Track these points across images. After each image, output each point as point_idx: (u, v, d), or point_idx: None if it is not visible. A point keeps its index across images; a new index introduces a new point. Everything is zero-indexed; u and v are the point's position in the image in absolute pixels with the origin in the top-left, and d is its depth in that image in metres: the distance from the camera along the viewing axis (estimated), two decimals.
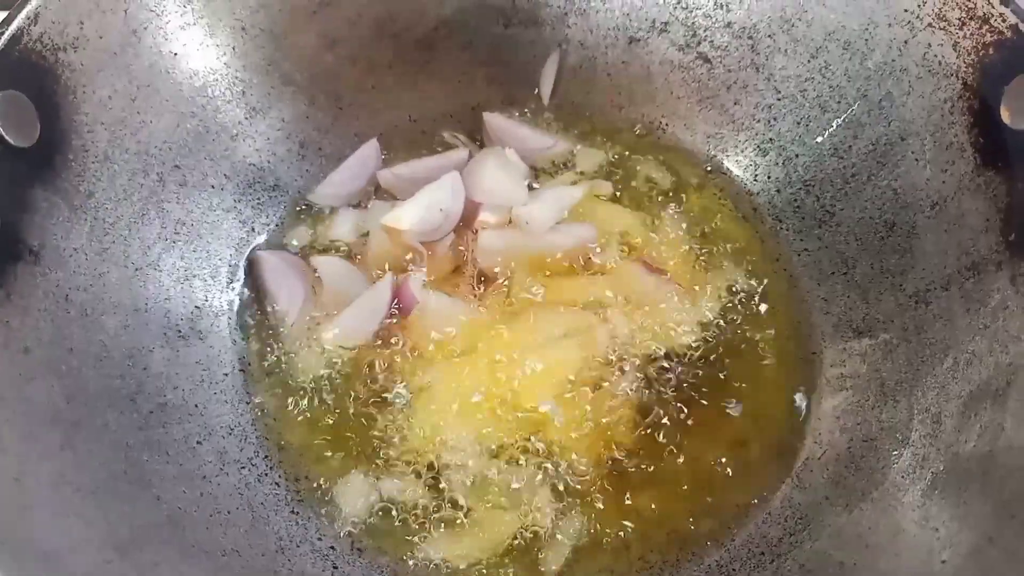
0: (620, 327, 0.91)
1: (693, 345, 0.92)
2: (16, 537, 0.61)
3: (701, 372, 0.90)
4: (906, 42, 0.85)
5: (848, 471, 0.81)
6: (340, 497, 0.84)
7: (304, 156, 1.00)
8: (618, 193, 1.02)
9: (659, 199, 1.02)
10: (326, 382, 0.90)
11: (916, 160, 0.85)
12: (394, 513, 0.83)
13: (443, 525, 0.83)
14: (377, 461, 0.85)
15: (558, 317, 0.92)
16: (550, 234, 0.96)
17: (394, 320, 0.92)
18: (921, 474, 0.76)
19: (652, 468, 0.85)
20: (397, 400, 0.88)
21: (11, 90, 0.72)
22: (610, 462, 0.86)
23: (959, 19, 0.80)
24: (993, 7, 0.77)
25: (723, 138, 1.02)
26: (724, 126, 1.02)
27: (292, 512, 0.82)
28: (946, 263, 0.82)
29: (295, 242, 0.99)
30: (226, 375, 0.89)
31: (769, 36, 0.96)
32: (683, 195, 1.02)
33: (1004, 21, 0.77)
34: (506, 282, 0.94)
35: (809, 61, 0.94)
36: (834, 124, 0.93)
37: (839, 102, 0.92)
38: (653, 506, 0.84)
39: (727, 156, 1.03)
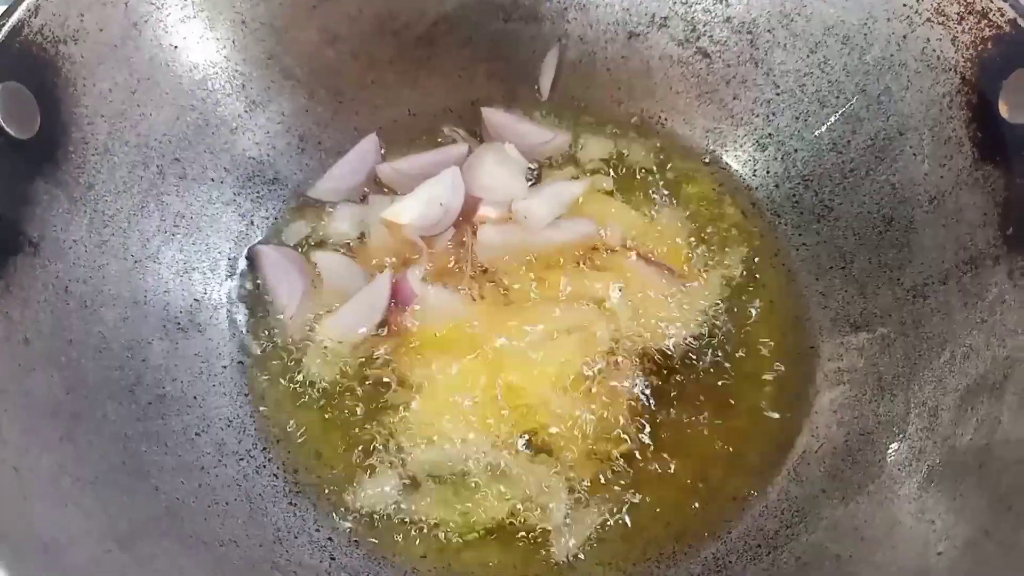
0: (619, 322, 0.91)
1: (691, 339, 0.92)
2: (16, 527, 0.61)
3: (699, 366, 0.90)
4: (905, 37, 0.85)
5: (845, 464, 0.82)
6: (340, 489, 0.84)
7: (304, 150, 1.01)
8: (617, 188, 1.02)
9: (658, 194, 1.02)
10: (324, 375, 0.90)
11: (914, 155, 0.85)
12: (392, 505, 0.83)
13: (442, 518, 0.83)
14: (375, 454, 0.85)
15: (558, 312, 0.92)
16: (549, 229, 0.96)
17: (393, 314, 0.92)
18: (917, 467, 0.76)
19: (650, 462, 0.86)
20: (395, 393, 0.88)
21: (12, 82, 0.72)
22: (608, 456, 0.86)
23: (958, 14, 0.80)
24: (992, 2, 0.77)
25: (722, 133, 1.03)
26: (723, 121, 1.02)
27: (290, 503, 0.82)
28: (944, 257, 0.82)
29: (294, 237, 0.99)
30: (225, 367, 0.89)
31: (768, 31, 0.96)
32: (682, 190, 1.02)
33: (1003, 16, 0.77)
34: (505, 277, 0.94)
35: (808, 56, 0.94)
36: (833, 119, 0.93)
37: (838, 97, 0.92)
38: (650, 499, 0.84)
39: (726, 151, 1.03)
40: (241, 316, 0.93)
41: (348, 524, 0.83)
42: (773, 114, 0.98)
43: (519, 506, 0.83)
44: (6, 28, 0.73)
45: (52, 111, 0.77)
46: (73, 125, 0.79)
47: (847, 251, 0.92)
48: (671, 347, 0.91)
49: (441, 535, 0.82)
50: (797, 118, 0.96)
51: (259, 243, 0.97)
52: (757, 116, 1.00)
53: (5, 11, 0.73)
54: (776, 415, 0.88)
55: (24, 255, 0.73)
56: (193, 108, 0.91)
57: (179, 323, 0.87)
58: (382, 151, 1.03)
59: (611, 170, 1.03)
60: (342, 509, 0.83)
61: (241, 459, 0.83)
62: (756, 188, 1.01)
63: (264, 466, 0.84)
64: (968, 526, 0.68)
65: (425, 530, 0.82)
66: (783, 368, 0.90)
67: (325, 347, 0.91)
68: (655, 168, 1.03)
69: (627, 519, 0.83)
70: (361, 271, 0.95)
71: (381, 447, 0.86)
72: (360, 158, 1.02)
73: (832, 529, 0.77)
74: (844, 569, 0.73)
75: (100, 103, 0.81)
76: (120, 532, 0.68)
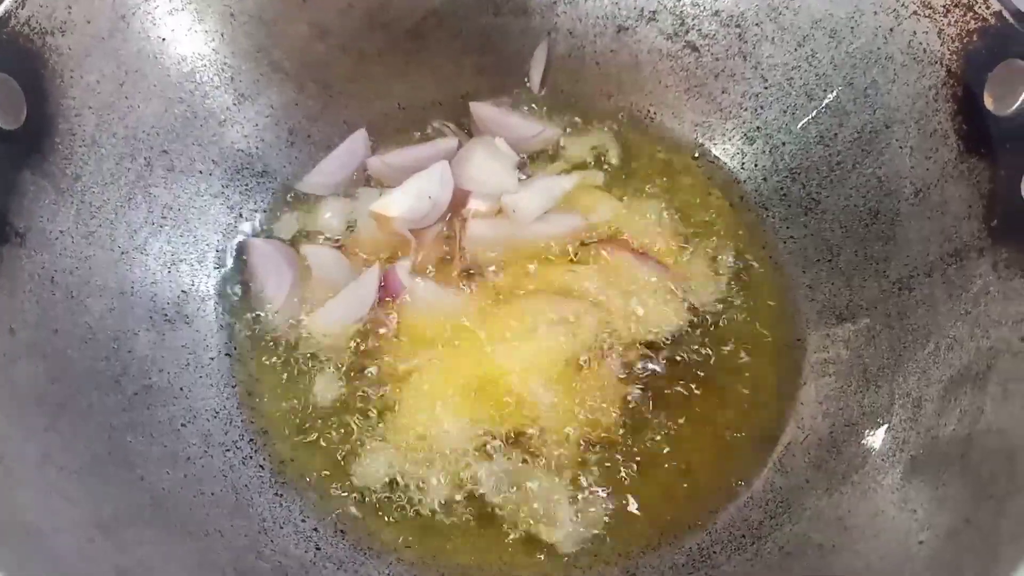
0: (607, 315, 0.92)
1: (679, 332, 0.92)
2: (1, 516, 0.61)
3: (686, 358, 0.90)
4: (891, 30, 0.85)
5: (829, 455, 0.82)
6: (325, 480, 0.84)
7: (293, 143, 1.01)
8: (606, 182, 1.02)
9: (647, 187, 1.02)
10: (312, 368, 0.90)
11: (900, 147, 0.86)
12: (378, 496, 0.83)
13: (427, 510, 0.83)
14: (362, 446, 0.85)
15: (546, 305, 0.92)
16: (538, 223, 0.96)
17: (382, 307, 0.92)
18: (901, 457, 0.76)
19: (637, 453, 0.86)
20: (383, 386, 0.88)
21: None
22: (595, 448, 0.86)
23: (944, 7, 0.80)
24: None
25: (711, 126, 1.03)
26: (712, 114, 1.02)
27: (276, 494, 0.83)
28: (929, 250, 0.82)
29: (284, 230, 0.99)
30: (212, 359, 0.89)
31: (756, 24, 0.96)
32: (671, 183, 1.02)
33: (988, 8, 0.77)
34: (494, 270, 0.94)
35: (796, 49, 0.94)
36: (820, 112, 0.93)
37: (825, 90, 0.92)
38: (635, 491, 0.84)
39: (715, 144, 1.03)
40: (229, 308, 0.93)
41: (334, 515, 0.83)
42: (761, 107, 0.99)
43: (504, 499, 0.83)
44: None
45: (39, 102, 0.77)
46: (60, 116, 0.79)
47: (834, 243, 0.92)
48: (659, 340, 0.91)
49: (427, 526, 0.82)
50: (785, 111, 0.97)
51: (249, 236, 0.97)
52: (745, 109, 1.00)
53: None
54: (762, 406, 0.88)
55: (10, 245, 0.73)
56: (181, 100, 0.91)
57: (166, 314, 0.88)
58: (371, 145, 1.03)
59: (600, 164, 1.03)
60: (328, 500, 0.83)
61: (227, 450, 0.84)
62: (744, 181, 1.01)
63: (250, 457, 0.84)
64: (950, 515, 0.68)
65: (411, 520, 0.82)
66: (770, 360, 0.91)
67: (313, 340, 0.91)
68: (644, 162, 1.04)
69: (611, 509, 0.83)
70: (350, 264, 0.96)
71: (368, 439, 0.86)
72: (349, 152, 1.02)
73: (816, 519, 0.78)
74: (827, 559, 0.74)
75: (87, 95, 0.81)
76: (104, 521, 0.68)
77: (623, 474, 0.85)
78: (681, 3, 0.99)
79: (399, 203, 0.94)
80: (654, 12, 1.01)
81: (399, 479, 0.84)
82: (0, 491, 0.63)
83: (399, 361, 0.89)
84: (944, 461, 0.72)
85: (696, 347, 0.91)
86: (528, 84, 1.07)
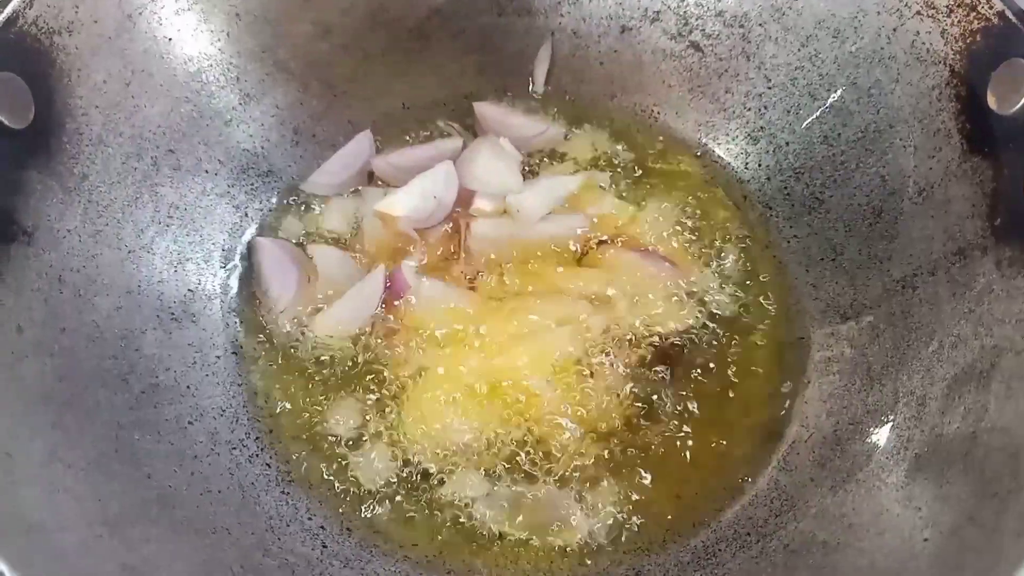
0: (612, 315, 0.92)
1: (683, 331, 0.92)
2: (6, 511, 0.61)
3: (691, 358, 0.91)
4: (894, 30, 0.85)
5: (834, 453, 0.82)
6: (332, 479, 0.85)
7: (298, 142, 1.01)
8: (611, 181, 1.02)
9: (651, 187, 1.02)
10: (318, 367, 0.90)
11: (904, 147, 0.86)
12: (384, 496, 0.84)
13: (434, 509, 0.83)
14: (368, 445, 0.86)
15: (552, 305, 0.92)
16: (543, 223, 0.97)
17: (387, 307, 0.92)
18: (905, 455, 0.76)
19: (641, 452, 0.86)
20: (389, 385, 0.89)
21: (6, 72, 0.73)
22: (600, 446, 0.86)
23: (947, 7, 0.81)
24: None
25: (714, 126, 1.03)
26: (715, 114, 1.03)
27: (282, 492, 0.83)
28: (932, 248, 0.83)
29: (289, 230, 0.99)
30: (218, 357, 0.89)
31: (760, 25, 0.96)
32: (674, 183, 1.02)
33: (991, 8, 0.77)
34: (499, 270, 0.95)
35: (799, 49, 0.94)
36: (823, 112, 0.94)
37: (828, 90, 0.93)
38: (641, 488, 0.85)
39: (718, 144, 1.03)
40: (235, 307, 0.93)
41: (340, 513, 0.83)
42: (765, 107, 0.99)
43: (512, 499, 0.83)
44: (1, 19, 0.73)
45: (46, 102, 0.77)
46: (67, 116, 0.79)
47: (837, 242, 0.92)
48: (664, 339, 0.91)
49: (433, 524, 0.83)
50: (788, 111, 0.97)
51: (254, 235, 0.97)
52: (749, 109, 1.00)
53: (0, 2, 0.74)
54: (766, 405, 0.89)
55: (18, 244, 0.73)
56: (187, 100, 0.91)
57: (173, 313, 0.88)
58: (376, 144, 1.03)
59: (604, 164, 1.04)
60: (334, 498, 0.84)
61: (234, 448, 0.84)
62: (748, 181, 1.01)
63: (257, 455, 0.85)
64: (953, 513, 0.69)
65: (417, 519, 0.83)
66: (774, 358, 0.91)
67: (319, 339, 0.91)
68: (648, 161, 1.04)
69: (616, 508, 0.84)
70: (355, 264, 0.96)
71: (375, 438, 0.86)
72: (354, 152, 1.02)
73: (820, 517, 0.78)
74: (832, 556, 0.74)
75: (94, 94, 0.82)
76: (111, 518, 0.69)
77: (629, 473, 0.85)
78: (685, 3, 1.00)
79: (404, 203, 0.94)
80: (658, 12, 1.01)
81: (405, 477, 0.84)
82: (7, 488, 0.63)
83: (405, 360, 0.90)
84: (948, 459, 0.73)
85: (700, 346, 0.92)
86: (532, 84, 1.07)
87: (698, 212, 1.00)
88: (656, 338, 0.91)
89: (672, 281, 0.95)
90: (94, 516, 0.68)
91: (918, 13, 0.83)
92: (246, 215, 0.97)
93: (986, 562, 0.63)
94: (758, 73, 0.98)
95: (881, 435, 0.80)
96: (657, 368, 0.90)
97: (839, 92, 0.92)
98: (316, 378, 0.90)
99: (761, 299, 0.95)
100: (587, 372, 0.89)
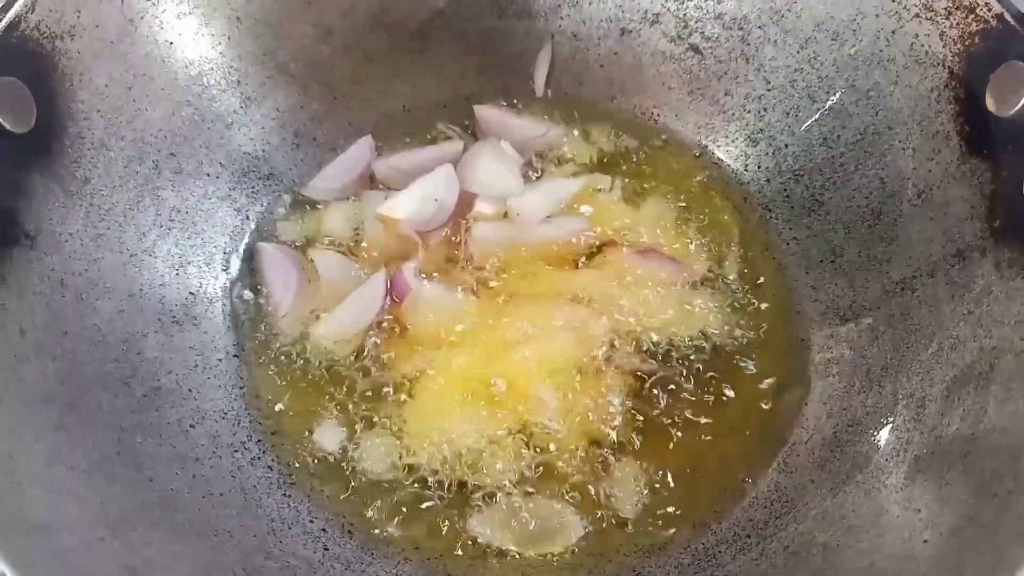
0: (612, 318, 0.92)
1: (683, 334, 0.92)
2: (8, 513, 0.61)
3: (691, 360, 0.91)
4: (893, 32, 0.86)
5: (833, 455, 0.82)
6: (334, 482, 0.85)
7: (298, 145, 1.01)
8: (611, 184, 1.02)
9: (650, 190, 1.02)
10: (319, 371, 0.90)
11: (903, 149, 0.86)
12: (386, 499, 0.84)
13: (435, 512, 0.83)
14: (370, 449, 0.86)
15: (553, 308, 0.92)
16: (543, 226, 0.97)
17: (389, 310, 0.93)
18: (905, 457, 0.76)
19: (640, 455, 0.86)
20: (390, 389, 0.89)
21: (8, 77, 0.73)
22: (599, 448, 0.86)
23: (945, 9, 0.81)
24: None
25: (714, 128, 1.03)
26: (715, 116, 1.03)
27: (284, 495, 0.83)
28: (932, 250, 0.83)
29: (290, 234, 0.99)
30: (220, 360, 0.90)
31: (759, 27, 0.97)
32: (674, 185, 1.02)
33: (989, 10, 0.78)
34: (500, 273, 0.95)
35: (798, 52, 0.95)
36: (822, 114, 0.94)
37: (827, 92, 0.93)
38: (642, 492, 0.85)
39: (718, 146, 1.03)
40: (236, 310, 0.94)
41: (342, 516, 0.83)
42: (764, 109, 0.99)
43: (511, 503, 0.84)
44: (3, 23, 0.74)
45: (48, 106, 0.77)
46: (69, 120, 0.80)
47: (837, 244, 0.92)
48: (664, 342, 0.91)
49: (434, 527, 0.83)
50: (788, 113, 0.97)
51: (258, 240, 0.98)
52: (748, 111, 1.00)
53: (2, 7, 0.74)
54: (767, 407, 0.89)
55: (20, 247, 0.74)
56: (189, 104, 0.92)
57: (174, 316, 0.88)
58: (376, 147, 1.04)
59: (605, 167, 1.04)
60: (336, 501, 0.84)
61: (235, 451, 0.84)
62: (748, 183, 1.01)
63: (258, 458, 0.85)
64: (953, 514, 0.69)
65: (418, 521, 0.83)
66: (774, 360, 0.91)
67: (320, 343, 0.91)
68: (647, 164, 1.04)
69: (617, 509, 0.84)
70: (357, 268, 0.96)
71: (376, 441, 0.86)
72: (355, 157, 1.02)
73: (821, 519, 0.78)
74: (831, 558, 0.74)
75: (96, 98, 0.82)
76: (113, 520, 0.69)
77: (628, 477, 0.85)
78: (684, 6, 1.00)
79: (405, 205, 0.94)
80: (657, 15, 1.01)
81: (406, 481, 0.84)
82: (9, 489, 0.64)
83: (406, 364, 0.90)
84: (948, 460, 0.73)
85: (700, 348, 0.92)
86: (532, 86, 1.07)
87: (698, 215, 1.00)
88: (656, 341, 0.91)
89: (674, 281, 0.95)
90: (96, 518, 0.68)
91: (917, 15, 0.84)
92: (247, 218, 0.98)
93: (986, 563, 0.63)
94: (757, 75, 0.99)
95: (881, 437, 0.80)
96: (657, 371, 0.90)
97: (838, 94, 0.92)
98: (318, 382, 0.90)
99: (760, 301, 0.95)
100: (587, 375, 0.89)
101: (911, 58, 0.85)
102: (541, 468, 0.85)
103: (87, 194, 0.82)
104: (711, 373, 0.91)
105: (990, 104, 0.78)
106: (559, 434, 0.86)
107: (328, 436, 0.87)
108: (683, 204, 1.01)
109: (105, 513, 0.69)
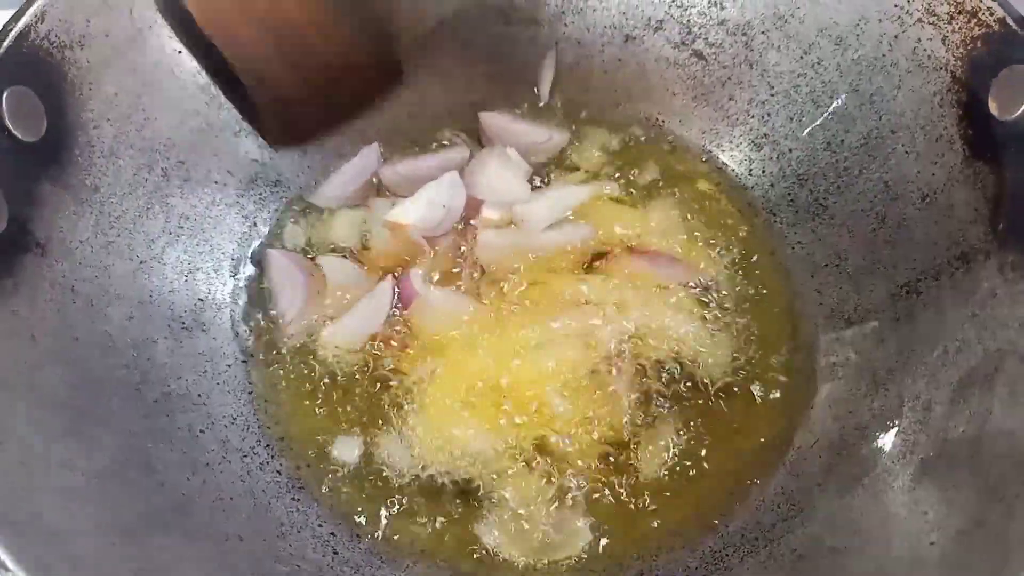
0: (619, 323, 0.92)
1: (689, 338, 0.93)
2: (23, 518, 0.62)
3: (697, 364, 0.91)
4: (896, 37, 0.86)
5: (840, 458, 0.82)
6: (342, 486, 0.85)
7: (305, 152, 1.02)
8: (617, 190, 1.03)
9: (655, 195, 1.03)
10: (327, 377, 0.91)
11: (906, 153, 0.87)
12: (394, 504, 0.84)
13: (443, 516, 0.84)
14: (378, 454, 0.86)
15: (560, 314, 0.93)
16: (549, 232, 0.98)
17: (396, 315, 0.93)
18: (911, 460, 0.77)
19: (648, 459, 0.87)
20: (398, 395, 0.89)
21: (19, 86, 0.74)
22: (607, 454, 0.87)
23: (948, 13, 0.81)
24: (981, 2, 0.78)
25: (718, 133, 1.04)
26: (719, 122, 1.03)
27: (293, 499, 0.84)
28: (936, 254, 0.83)
29: (298, 241, 1.00)
30: (229, 366, 0.90)
31: (763, 33, 0.97)
32: (679, 190, 1.03)
33: (992, 15, 0.78)
34: (507, 279, 0.95)
35: (802, 57, 0.95)
36: (826, 118, 0.94)
37: (831, 97, 0.93)
38: (648, 496, 0.85)
39: (722, 151, 1.04)
40: (245, 316, 0.94)
41: (350, 520, 0.83)
42: (768, 114, 1.00)
43: (522, 508, 0.84)
44: (13, 33, 0.74)
45: (59, 115, 0.78)
46: (79, 128, 0.80)
47: (841, 248, 0.93)
48: (670, 346, 0.92)
49: (441, 532, 0.83)
50: (792, 118, 0.98)
51: (266, 246, 0.98)
52: (752, 116, 1.01)
53: (12, 16, 0.75)
54: (772, 411, 0.89)
55: (32, 255, 0.74)
56: (197, 112, 0.92)
57: (183, 323, 0.89)
58: (382, 153, 1.04)
59: (610, 173, 1.04)
60: (344, 505, 0.84)
61: (245, 456, 0.85)
62: (752, 187, 1.02)
63: (267, 463, 0.85)
64: (960, 516, 0.69)
65: (427, 529, 0.84)
66: (779, 364, 0.91)
67: (328, 350, 0.92)
68: (652, 170, 1.04)
69: (624, 514, 0.84)
70: (364, 275, 0.97)
71: (384, 447, 0.87)
72: (361, 165, 1.03)
73: (828, 522, 0.78)
74: (839, 560, 0.74)
75: (106, 107, 0.83)
76: (126, 525, 0.69)
77: (634, 479, 0.86)
78: (688, 12, 1.01)
79: (413, 211, 0.95)
80: (661, 21, 1.02)
81: (415, 486, 0.85)
82: (23, 494, 0.64)
83: (414, 370, 0.90)
84: (954, 463, 0.73)
85: (705, 353, 0.92)
86: (537, 93, 1.08)
87: (703, 219, 1.01)
88: (663, 346, 0.91)
89: (680, 285, 0.95)
90: (109, 523, 0.68)
91: (919, 20, 0.84)
92: (255, 225, 0.98)
93: (993, 565, 0.64)
94: (761, 81, 0.99)
95: (887, 440, 0.80)
96: (664, 375, 0.90)
97: (841, 99, 0.92)
98: (325, 386, 0.90)
99: (766, 305, 0.95)
100: (596, 381, 0.89)
101: (914, 62, 0.85)
102: (549, 474, 0.85)
103: (97, 202, 0.82)
104: (716, 378, 0.91)
105: (993, 108, 0.78)
106: (568, 440, 0.87)
107: (345, 449, 0.87)
108: (688, 209, 1.01)
109: (118, 518, 0.69)
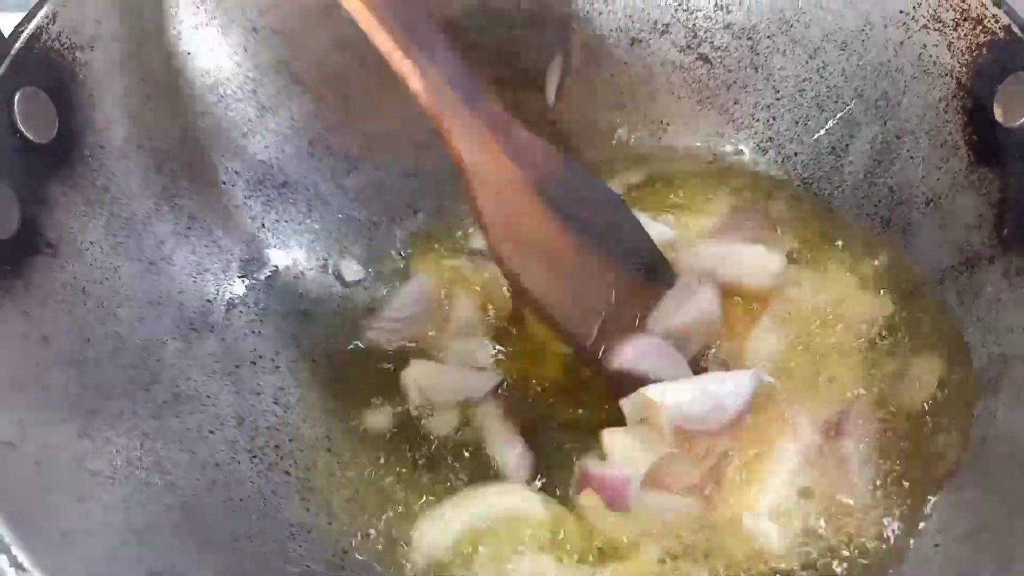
0: None
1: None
2: (37, 518, 0.62)
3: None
4: (902, 43, 0.87)
5: None
6: (351, 488, 0.86)
7: (313, 154, 1.02)
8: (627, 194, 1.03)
9: (663, 200, 1.03)
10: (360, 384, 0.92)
11: (911, 158, 0.87)
12: (402, 503, 0.85)
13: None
14: (386, 455, 0.87)
15: None
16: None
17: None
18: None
19: None
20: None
21: (30, 87, 0.74)
22: None
23: (953, 20, 0.82)
24: (987, 8, 0.79)
25: (723, 137, 1.04)
26: (724, 125, 1.04)
27: (302, 499, 0.84)
28: (941, 258, 0.84)
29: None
30: (237, 367, 0.90)
31: (768, 37, 0.98)
32: (685, 194, 1.03)
33: (997, 22, 0.78)
34: None
35: (807, 61, 0.96)
36: (831, 123, 0.95)
37: (836, 102, 0.94)
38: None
39: (727, 154, 1.04)
40: (252, 317, 0.94)
41: (359, 521, 0.84)
42: (773, 118, 1.00)
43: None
44: (25, 35, 0.74)
45: (69, 116, 0.78)
46: (89, 129, 0.80)
47: None
48: None
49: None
50: (797, 122, 0.98)
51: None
52: (758, 120, 1.01)
53: (24, 18, 0.75)
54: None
55: (43, 256, 0.74)
56: (205, 113, 0.93)
57: (192, 324, 0.89)
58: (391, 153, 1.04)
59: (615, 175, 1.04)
60: (353, 507, 0.85)
61: (254, 456, 0.85)
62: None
63: (276, 464, 0.85)
64: (965, 519, 0.70)
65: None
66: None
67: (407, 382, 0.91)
68: (658, 173, 1.05)
69: None
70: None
71: (392, 449, 0.87)
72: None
73: None
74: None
75: (116, 108, 0.83)
76: (137, 525, 0.70)
77: None
78: (694, 16, 1.01)
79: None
80: (667, 25, 1.03)
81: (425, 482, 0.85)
82: (37, 496, 0.64)
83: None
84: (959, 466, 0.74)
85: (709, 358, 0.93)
86: (544, 97, 1.08)
87: (708, 224, 1.00)
88: None
89: None
90: (121, 524, 0.69)
91: (925, 26, 0.85)
92: (263, 226, 0.98)
93: (998, 566, 0.64)
94: (767, 85, 1.00)
95: None
96: None
97: (847, 104, 0.93)
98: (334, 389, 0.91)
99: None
100: None
101: (919, 68, 0.86)
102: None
103: (107, 203, 0.82)
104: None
105: (998, 114, 0.79)
106: None
107: (346, 443, 0.88)
108: (693, 213, 1.01)
109: (130, 519, 0.70)
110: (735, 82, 1.02)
